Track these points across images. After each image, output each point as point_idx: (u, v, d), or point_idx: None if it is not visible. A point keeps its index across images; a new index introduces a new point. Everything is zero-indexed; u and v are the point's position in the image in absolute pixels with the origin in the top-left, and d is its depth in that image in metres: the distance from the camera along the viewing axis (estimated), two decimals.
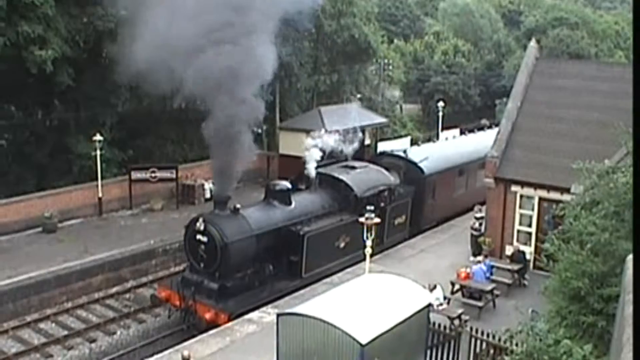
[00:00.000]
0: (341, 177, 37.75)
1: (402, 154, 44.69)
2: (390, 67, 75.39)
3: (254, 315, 29.96)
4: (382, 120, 59.80)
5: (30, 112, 52.72)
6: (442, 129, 67.88)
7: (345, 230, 35.86)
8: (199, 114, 35.08)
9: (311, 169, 37.44)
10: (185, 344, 27.34)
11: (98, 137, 44.22)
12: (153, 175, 46.80)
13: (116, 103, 44.03)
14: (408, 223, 41.40)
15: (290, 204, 34.70)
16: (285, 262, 34.18)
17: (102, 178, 44.80)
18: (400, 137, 63.15)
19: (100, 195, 45.46)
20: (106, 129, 48.13)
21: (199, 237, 31.79)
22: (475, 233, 36.98)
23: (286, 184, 35.56)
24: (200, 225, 31.58)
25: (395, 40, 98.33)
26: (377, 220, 26.54)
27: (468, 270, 31.12)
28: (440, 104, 73.20)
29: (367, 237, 26.19)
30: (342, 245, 35.94)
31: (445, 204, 44.77)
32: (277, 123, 58.13)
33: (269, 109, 58.46)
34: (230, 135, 30.93)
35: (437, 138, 60.82)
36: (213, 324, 29.86)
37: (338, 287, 24.81)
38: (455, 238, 40.44)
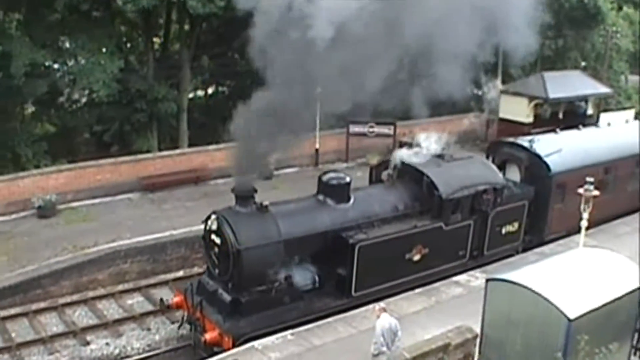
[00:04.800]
0: (425, 170, 29.84)
1: (525, 144, 35.23)
2: (618, 36, 72.70)
3: (461, 278, 29.66)
4: (607, 90, 57.91)
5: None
6: None
7: (422, 239, 28.79)
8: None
9: (397, 157, 31.08)
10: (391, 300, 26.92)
11: (319, 89, 44.89)
12: (371, 130, 47.43)
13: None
14: (522, 232, 33.42)
15: (347, 201, 28.06)
16: (332, 276, 27.49)
17: (319, 129, 45.52)
18: (624, 109, 60.97)
19: (317, 146, 46.69)
20: None
21: (213, 237, 26.00)
22: None
23: (345, 177, 28.51)
24: (212, 223, 25.93)
25: (625, 8, 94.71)
26: (596, 192, 25.82)
27: None
28: None
29: (584, 210, 25.69)
30: (416, 257, 28.78)
31: (579, 210, 34.92)
32: (499, 86, 57.26)
33: (491, 69, 57.91)
34: (275, 118, 25.56)
35: None
36: (216, 347, 24.63)
37: (550, 259, 24.30)
38: None
